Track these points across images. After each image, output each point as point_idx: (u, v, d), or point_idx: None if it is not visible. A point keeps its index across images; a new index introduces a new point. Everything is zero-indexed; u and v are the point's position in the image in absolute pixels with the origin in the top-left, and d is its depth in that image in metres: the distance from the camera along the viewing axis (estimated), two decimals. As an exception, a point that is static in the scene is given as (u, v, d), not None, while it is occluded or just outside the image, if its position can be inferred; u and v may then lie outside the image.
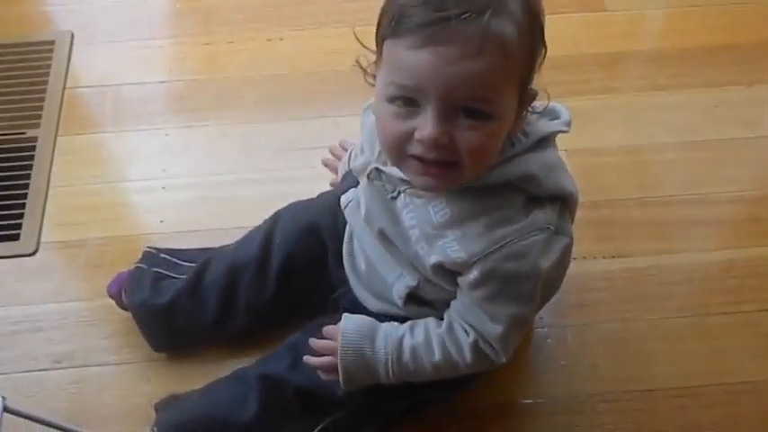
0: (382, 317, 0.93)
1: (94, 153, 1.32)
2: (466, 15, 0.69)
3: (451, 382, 0.93)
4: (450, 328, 0.87)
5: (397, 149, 0.77)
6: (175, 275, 1.07)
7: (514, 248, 0.79)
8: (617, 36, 1.47)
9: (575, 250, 1.17)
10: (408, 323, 0.90)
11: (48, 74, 1.40)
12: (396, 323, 0.90)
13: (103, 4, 1.53)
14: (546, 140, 0.84)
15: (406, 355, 0.87)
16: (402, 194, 0.85)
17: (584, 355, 1.09)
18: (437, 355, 0.87)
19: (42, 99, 1.37)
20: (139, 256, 1.11)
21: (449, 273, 0.83)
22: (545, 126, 0.85)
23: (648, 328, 1.12)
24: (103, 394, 1.06)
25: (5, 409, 0.78)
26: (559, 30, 1.48)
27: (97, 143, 1.33)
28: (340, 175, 1.10)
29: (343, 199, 0.95)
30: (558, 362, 1.09)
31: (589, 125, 1.33)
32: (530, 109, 0.81)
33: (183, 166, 1.29)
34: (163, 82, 1.41)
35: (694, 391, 1.06)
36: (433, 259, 0.82)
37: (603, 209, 1.23)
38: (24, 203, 1.24)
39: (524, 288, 0.82)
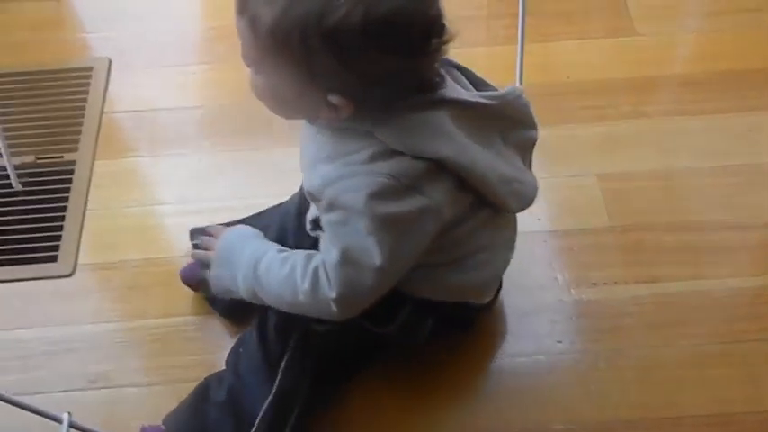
0: None
1: (130, 177, 1.34)
2: None
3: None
4: (309, 255, 0.91)
5: None
6: None
7: (354, 182, 0.84)
8: (647, 60, 1.47)
9: (605, 275, 1.18)
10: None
11: (86, 99, 1.44)
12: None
13: (140, 31, 1.56)
14: (439, 104, 0.86)
15: (263, 264, 0.93)
16: (321, 128, 0.92)
17: (615, 380, 1.08)
18: (284, 272, 0.91)
19: (80, 124, 1.40)
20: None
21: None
22: (448, 91, 0.87)
23: (680, 354, 1.11)
24: (137, 414, 1.07)
25: (71, 425, 0.79)
26: (589, 54, 1.49)
27: (133, 167, 1.36)
28: None
29: None
30: (588, 387, 1.08)
31: (620, 150, 1.33)
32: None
33: (217, 189, 1.31)
34: (197, 107, 1.44)
35: (727, 419, 1.05)
36: (305, 186, 0.92)
37: (634, 233, 1.23)
38: (62, 226, 1.26)
39: (359, 224, 0.85)
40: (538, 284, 1.18)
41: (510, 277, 1.10)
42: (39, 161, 1.35)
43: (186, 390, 1.08)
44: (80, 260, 1.23)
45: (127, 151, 1.38)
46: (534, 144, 0.98)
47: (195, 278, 1.13)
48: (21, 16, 1.59)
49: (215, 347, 1.13)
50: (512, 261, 1.06)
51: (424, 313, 1.03)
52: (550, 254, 1.21)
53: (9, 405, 0.77)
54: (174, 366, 1.11)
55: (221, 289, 1.00)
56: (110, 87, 1.46)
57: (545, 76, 1.43)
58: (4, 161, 1.30)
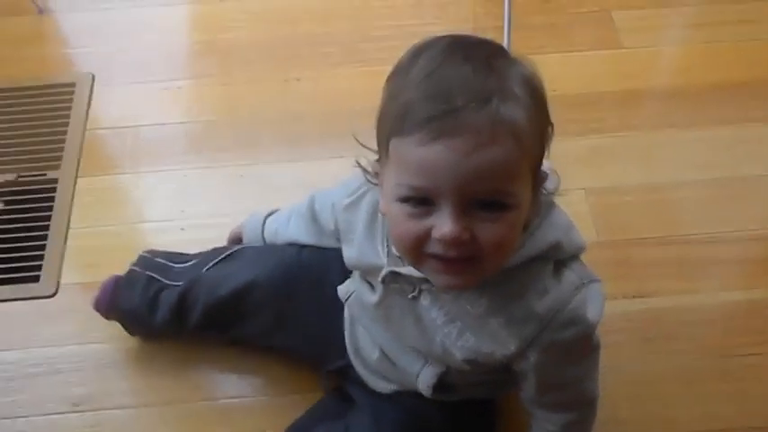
0: (396, 396, 0.94)
1: (114, 194, 1.33)
2: (473, 105, 0.67)
3: None
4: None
5: (415, 250, 0.73)
6: (167, 281, 1.08)
7: (563, 317, 0.79)
8: (633, 73, 1.47)
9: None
10: None
11: (68, 115, 1.42)
12: None
13: (123, 45, 1.54)
14: (550, 203, 0.83)
15: None
16: (425, 292, 0.82)
17: (604, 398, 1.04)
18: None
19: (63, 141, 1.38)
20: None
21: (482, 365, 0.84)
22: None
23: (671, 369, 1.10)
24: (122, 439, 1.06)
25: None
26: (575, 68, 1.49)
27: (117, 184, 1.34)
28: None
29: (342, 291, 0.93)
30: (579, 404, 1.07)
31: (606, 164, 1.33)
32: (543, 191, 0.79)
33: (202, 206, 1.29)
34: (181, 123, 1.42)
35: (719, 436, 1.04)
36: (467, 353, 0.82)
37: (623, 248, 1.22)
38: (44, 245, 1.24)
39: (586, 345, 0.84)
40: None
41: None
42: (21, 179, 1.33)
43: (172, 412, 1.07)
44: (63, 279, 1.21)
45: (110, 168, 1.36)
46: None
47: (105, 306, 1.11)
48: (1, 32, 1.56)
49: (203, 369, 1.12)
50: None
51: None
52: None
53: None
54: (158, 388, 1.09)
55: None
56: (93, 103, 1.44)
57: (531, 90, 1.42)
58: (-15, 179, 1.28)
